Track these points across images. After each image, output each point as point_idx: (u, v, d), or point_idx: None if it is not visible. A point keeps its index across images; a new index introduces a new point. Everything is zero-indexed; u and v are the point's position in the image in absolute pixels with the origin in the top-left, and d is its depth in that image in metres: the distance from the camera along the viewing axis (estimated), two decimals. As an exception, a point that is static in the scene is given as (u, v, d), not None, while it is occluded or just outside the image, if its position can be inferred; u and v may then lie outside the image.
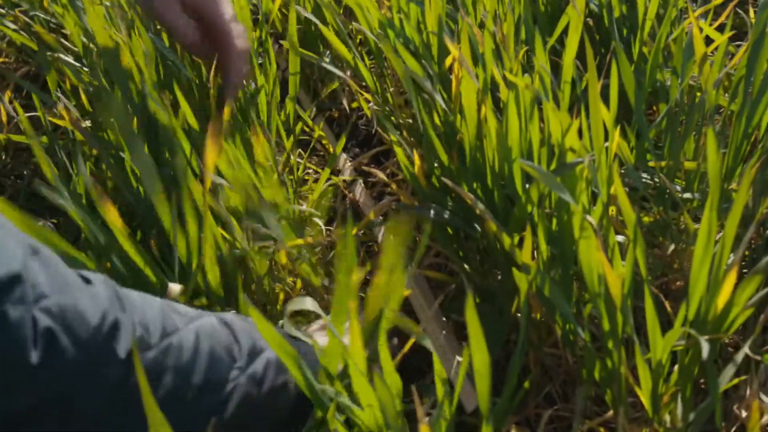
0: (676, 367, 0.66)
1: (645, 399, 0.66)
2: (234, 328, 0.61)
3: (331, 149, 1.13)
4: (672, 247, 0.82)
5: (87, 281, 0.52)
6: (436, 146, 0.78)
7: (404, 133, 0.96)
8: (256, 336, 0.61)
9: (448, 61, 0.84)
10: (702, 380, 0.76)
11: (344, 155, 1.13)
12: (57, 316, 0.48)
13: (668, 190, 0.82)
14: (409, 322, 0.56)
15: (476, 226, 0.81)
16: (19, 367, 0.47)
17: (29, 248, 0.49)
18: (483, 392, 0.52)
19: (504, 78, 0.77)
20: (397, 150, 0.80)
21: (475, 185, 0.79)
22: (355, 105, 1.20)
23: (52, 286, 0.49)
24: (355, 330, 0.57)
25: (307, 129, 1.14)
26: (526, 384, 0.68)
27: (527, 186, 0.74)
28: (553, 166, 0.72)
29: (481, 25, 0.89)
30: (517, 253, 0.64)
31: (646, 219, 0.85)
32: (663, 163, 0.84)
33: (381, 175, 0.86)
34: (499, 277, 0.87)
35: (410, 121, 1.01)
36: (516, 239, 0.72)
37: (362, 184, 1.05)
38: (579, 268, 0.70)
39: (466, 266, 0.84)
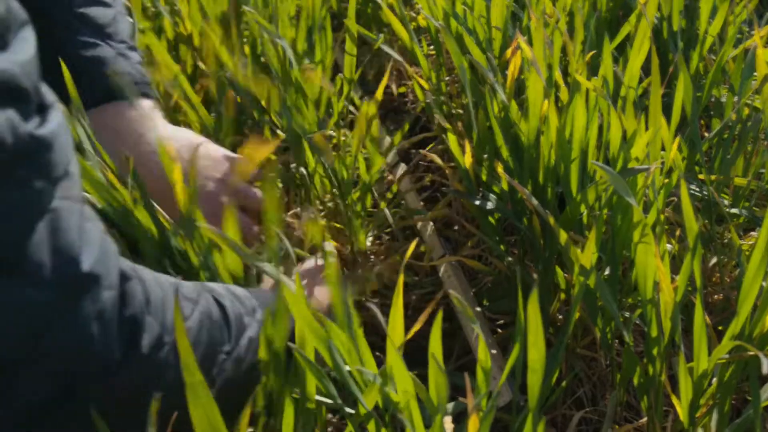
0: (714, 380, 0.67)
1: (682, 409, 0.66)
2: (227, 310, 0.60)
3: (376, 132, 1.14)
4: (714, 260, 0.83)
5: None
6: (496, 137, 0.78)
7: (458, 123, 0.96)
8: (242, 311, 0.61)
9: (508, 53, 0.85)
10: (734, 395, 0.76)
11: (388, 138, 1.14)
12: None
13: (716, 204, 0.83)
14: (464, 306, 0.57)
15: (523, 220, 0.82)
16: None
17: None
18: (534, 386, 0.53)
19: (565, 79, 0.78)
20: (451, 137, 0.81)
21: (528, 180, 0.79)
22: (402, 90, 1.21)
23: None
24: (397, 311, 0.58)
25: (352, 109, 1.14)
26: (564, 384, 0.69)
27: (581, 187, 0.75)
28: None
29: (545, 25, 0.89)
30: (573, 252, 0.65)
31: (686, 227, 0.85)
32: (713, 177, 0.85)
33: (437, 160, 0.87)
34: (535, 275, 0.88)
35: (461, 111, 1.02)
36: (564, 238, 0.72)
37: (404, 167, 1.06)
38: (629, 269, 0.71)
39: (509, 258, 0.85)
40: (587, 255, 0.63)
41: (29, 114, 0.46)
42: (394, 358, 0.52)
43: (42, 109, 0.47)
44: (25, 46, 0.46)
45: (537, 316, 0.49)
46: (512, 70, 0.75)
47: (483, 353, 0.58)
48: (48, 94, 0.48)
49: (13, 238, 0.45)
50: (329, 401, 0.58)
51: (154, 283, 0.54)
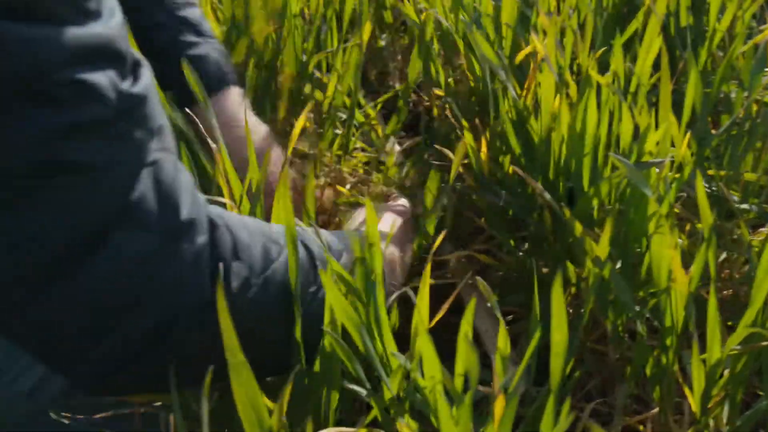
0: (726, 371, 0.67)
1: (694, 400, 0.67)
2: (313, 253, 0.63)
3: (380, 131, 1.14)
4: (723, 255, 0.84)
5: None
6: (509, 134, 0.79)
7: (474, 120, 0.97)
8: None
9: (520, 55, 0.86)
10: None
11: (392, 138, 1.14)
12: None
13: (725, 200, 0.84)
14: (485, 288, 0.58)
15: (534, 215, 0.82)
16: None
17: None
18: (556, 369, 0.54)
19: (575, 75, 0.78)
20: (467, 135, 0.81)
21: (539, 176, 0.80)
22: (400, 87, 1.21)
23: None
24: (423, 297, 0.58)
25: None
26: (577, 374, 0.70)
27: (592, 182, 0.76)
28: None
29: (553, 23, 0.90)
30: (588, 244, 0.65)
31: (699, 225, 0.86)
32: (722, 173, 0.85)
33: (453, 156, 0.87)
34: (545, 269, 0.88)
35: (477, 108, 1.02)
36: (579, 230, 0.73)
37: (409, 166, 1.06)
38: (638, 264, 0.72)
39: (519, 253, 0.85)
40: (603, 247, 0.64)
41: (125, 73, 0.50)
42: (425, 341, 0.52)
43: (134, 68, 0.51)
44: (115, 11, 0.50)
45: (560, 299, 0.49)
46: (533, 67, 0.76)
47: (502, 341, 0.58)
48: (136, 53, 0.52)
49: (120, 189, 0.49)
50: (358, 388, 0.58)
51: (241, 228, 0.57)
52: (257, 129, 0.89)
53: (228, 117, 0.87)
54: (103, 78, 0.48)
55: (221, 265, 0.54)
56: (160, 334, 0.52)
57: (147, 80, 0.52)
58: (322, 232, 0.64)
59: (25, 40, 0.44)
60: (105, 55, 0.48)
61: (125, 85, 0.50)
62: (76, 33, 0.47)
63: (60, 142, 0.46)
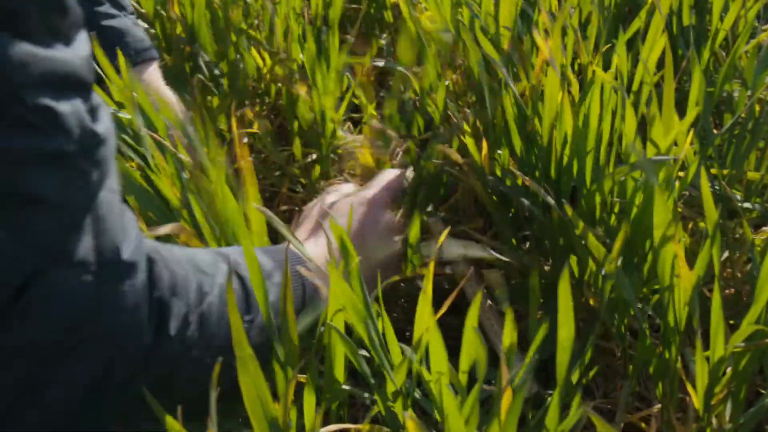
0: (729, 369, 0.67)
1: (697, 397, 0.67)
2: (244, 280, 0.61)
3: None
4: (726, 254, 0.84)
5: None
6: (512, 134, 0.79)
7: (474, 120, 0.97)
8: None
9: (535, 61, 0.85)
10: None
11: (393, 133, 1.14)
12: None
13: (728, 199, 0.84)
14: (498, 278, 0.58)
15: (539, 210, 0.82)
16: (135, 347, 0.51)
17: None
18: (563, 364, 0.54)
19: (577, 73, 0.78)
20: (468, 139, 0.82)
21: (541, 175, 0.80)
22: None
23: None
24: (426, 295, 0.58)
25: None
26: (591, 373, 0.70)
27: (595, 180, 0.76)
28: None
29: (554, 20, 0.90)
30: (591, 239, 0.65)
31: (702, 224, 0.86)
32: (725, 172, 0.85)
33: (456, 157, 0.87)
34: (548, 267, 0.88)
35: (467, 109, 1.02)
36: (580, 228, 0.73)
37: (412, 168, 1.06)
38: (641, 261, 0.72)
39: (520, 251, 0.85)
40: (616, 245, 0.64)
41: (88, 108, 0.48)
42: (433, 333, 0.53)
43: (97, 107, 0.49)
44: (85, 44, 0.49)
45: (567, 294, 0.50)
46: (538, 64, 0.76)
47: (507, 339, 0.58)
48: (97, 95, 0.50)
49: (66, 226, 0.47)
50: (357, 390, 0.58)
51: (175, 261, 0.56)
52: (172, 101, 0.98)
53: (151, 89, 0.96)
54: (69, 108, 0.46)
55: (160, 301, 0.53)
56: (102, 381, 0.50)
57: (108, 122, 0.50)
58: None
59: (2, 56, 0.42)
60: (73, 84, 0.47)
61: (88, 120, 0.48)
62: (48, 55, 0.45)
63: (19, 170, 0.44)
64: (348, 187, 0.88)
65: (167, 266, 0.54)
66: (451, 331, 0.78)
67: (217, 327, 0.56)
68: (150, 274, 0.53)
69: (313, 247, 0.73)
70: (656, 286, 0.67)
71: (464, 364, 0.54)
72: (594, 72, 0.72)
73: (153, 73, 1.01)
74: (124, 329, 0.50)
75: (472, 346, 0.53)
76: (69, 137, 0.46)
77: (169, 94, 1.00)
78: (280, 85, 1.12)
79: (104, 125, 0.49)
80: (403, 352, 0.56)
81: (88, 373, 0.49)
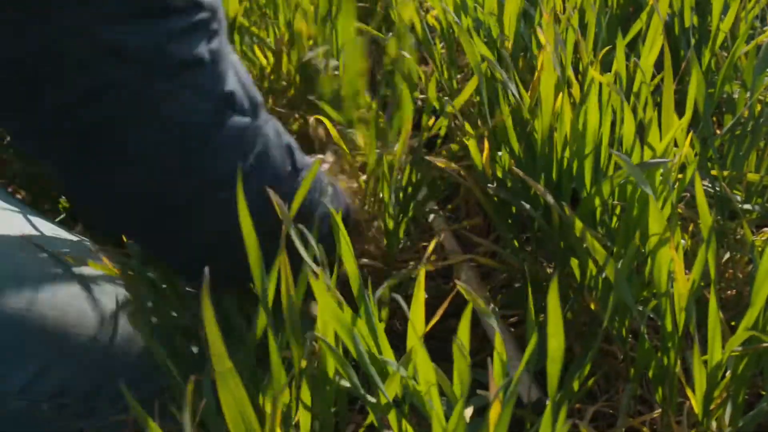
0: (728, 373, 0.67)
1: (696, 401, 0.67)
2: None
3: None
4: (727, 255, 0.84)
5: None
6: (510, 135, 0.79)
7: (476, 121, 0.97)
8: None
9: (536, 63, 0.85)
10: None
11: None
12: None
13: (728, 200, 0.83)
14: (476, 299, 0.58)
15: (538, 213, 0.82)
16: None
17: None
18: (553, 375, 0.54)
19: (578, 74, 0.78)
20: (471, 141, 0.82)
21: (541, 177, 0.80)
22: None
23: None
24: (419, 302, 0.59)
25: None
26: (590, 383, 0.70)
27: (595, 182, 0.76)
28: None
29: (556, 20, 0.90)
30: (590, 241, 0.65)
31: (700, 221, 0.86)
32: (725, 173, 0.85)
33: (454, 166, 0.87)
34: (549, 271, 0.88)
35: (471, 109, 1.02)
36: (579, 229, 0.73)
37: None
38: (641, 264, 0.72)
39: (522, 255, 0.85)
40: (616, 248, 0.64)
41: None
42: (418, 348, 0.53)
43: None
44: None
45: (557, 305, 0.50)
46: (539, 66, 0.76)
47: (499, 345, 0.58)
48: None
49: (222, 79, 0.62)
50: (348, 385, 0.58)
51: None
52: None
53: None
54: None
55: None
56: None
57: None
58: None
59: None
60: None
61: None
62: None
63: (179, 42, 0.58)
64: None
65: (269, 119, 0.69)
66: (451, 333, 0.78)
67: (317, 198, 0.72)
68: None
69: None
70: (654, 290, 0.67)
71: (456, 377, 0.54)
72: (592, 74, 0.72)
73: None
74: (274, 156, 0.66)
75: (457, 360, 0.53)
76: (202, 8, 0.59)
77: None
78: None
79: None
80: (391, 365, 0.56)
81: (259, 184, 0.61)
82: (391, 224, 0.89)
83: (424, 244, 0.99)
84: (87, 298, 0.71)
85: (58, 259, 0.71)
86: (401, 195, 0.91)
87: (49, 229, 0.77)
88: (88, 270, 0.72)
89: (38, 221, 0.77)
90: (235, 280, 0.65)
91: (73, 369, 0.70)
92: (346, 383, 0.60)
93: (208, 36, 0.61)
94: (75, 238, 0.78)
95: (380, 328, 0.58)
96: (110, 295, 0.72)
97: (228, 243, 0.61)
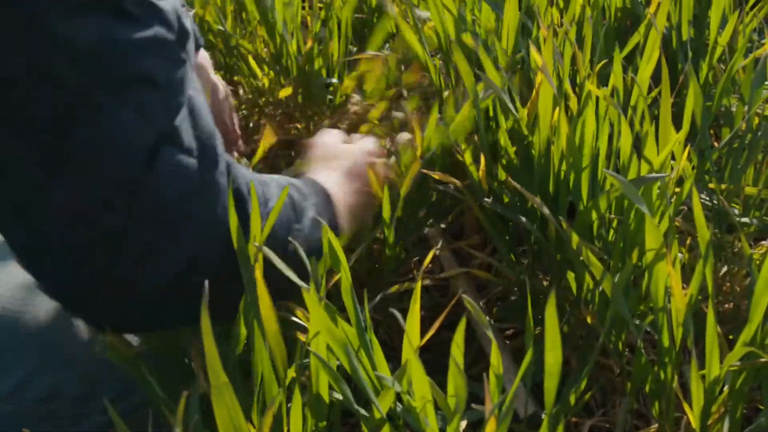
0: (726, 387, 0.67)
1: (694, 417, 0.66)
2: (291, 196, 0.68)
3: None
4: (725, 269, 0.83)
5: None
6: (507, 149, 0.79)
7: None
8: (298, 196, 0.70)
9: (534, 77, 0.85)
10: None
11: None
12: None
13: (726, 213, 0.83)
14: (476, 311, 0.58)
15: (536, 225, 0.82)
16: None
17: None
18: (550, 389, 0.53)
19: (575, 88, 0.78)
20: (466, 154, 0.82)
21: (538, 190, 0.80)
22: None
23: None
24: (414, 315, 0.58)
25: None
26: (587, 396, 0.69)
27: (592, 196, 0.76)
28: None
29: (554, 34, 0.90)
30: (586, 255, 0.65)
31: (698, 235, 0.85)
32: (723, 186, 0.85)
33: (452, 180, 0.87)
34: (546, 284, 0.88)
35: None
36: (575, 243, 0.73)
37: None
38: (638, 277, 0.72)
39: (518, 268, 0.85)
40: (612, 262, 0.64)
41: (180, 6, 0.59)
42: (413, 362, 0.52)
43: (180, 9, 0.60)
44: None
45: (554, 320, 0.49)
46: (537, 80, 0.76)
47: (495, 358, 0.58)
48: None
49: (174, 109, 0.56)
50: (340, 396, 0.58)
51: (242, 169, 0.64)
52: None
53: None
54: (168, 5, 0.56)
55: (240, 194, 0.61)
56: (198, 260, 0.58)
57: (189, 23, 0.60)
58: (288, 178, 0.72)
59: None
60: None
61: (181, 16, 0.58)
62: None
63: (131, 55, 0.53)
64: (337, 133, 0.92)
65: (239, 170, 0.62)
66: (446, 346, 0.78)
67: (284, 231, 0.64)
68: (230, 170, 0.60)
69: (325, 176, 0.79)
70: (651, 304, 0.67)
71: (451, 390, 0.53)
72: (589, 88, 0.72)
73: (202, 59, 0.97)
74: (219, 210, 0.58)
75: (452, 375, 0.52)
76: (170, 28, 0.56)
77: (216, 80, 1.00)
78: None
79: (188, 24, 0.59)
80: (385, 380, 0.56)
81: (191, 248, 0.57)
82: (390, 237, 0.89)
83: (418, 258, 0.99)
84: None
85: None
86: (399, 208, 0.91)
87: None
88: None
89: None
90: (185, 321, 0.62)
91: (63, 374, 0.70)
92: (339, 396, 0.60)
93: (169, 60, 0.56)
94: None
95: (375, 342, 0.58)
96: None
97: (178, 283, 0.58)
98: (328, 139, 0.88)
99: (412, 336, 0.57)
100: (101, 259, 0.55)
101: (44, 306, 0.70)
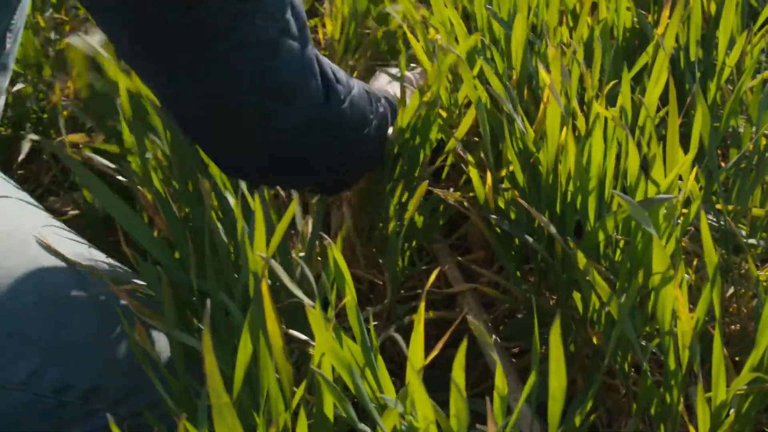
0: (732, 411, 0.66)
1: (700, 439, 0.66)
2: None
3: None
4: (731, 290, 0.83)
5: None
6: (515, 168, 0.79)
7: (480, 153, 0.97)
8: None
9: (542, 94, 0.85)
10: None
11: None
12: None
13: (733, 235, 0.83)
14: (482, 332, 0.58)
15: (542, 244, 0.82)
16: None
17: None
18: (554, 414, 0.53)
19: (583, 108, 0.78)
20: (472, 170, 0.82)
21: (545, 209, 0.80)
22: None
23: None
24: (418, 336, 0.58)
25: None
26: (592, 417, 0.69)
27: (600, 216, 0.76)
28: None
29: (562, 55, 0.90)
30: (593, 276, 0.65)
31: (705, 259, 0.85)
32: (730, 207, 0.85)
33: (459, 198, 0.87)
34: (552, 302, 0.88)
35: (476, 139, 1.02)
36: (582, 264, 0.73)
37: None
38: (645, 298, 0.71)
39: (525, 286, 0.85)
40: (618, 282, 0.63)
41: None
42: (416, 384, 0.52)
43: None
44: None
45: (558, 344, 0.49)
46: (544, 98, 0.76)
47: (500, 380, 0.58)
48: None
49: (285, 6, 0.71)
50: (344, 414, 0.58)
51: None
52: None
53: None
54: None
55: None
56: (303, 121, 0.75)
57: None
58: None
59: None
60: None
61: None
62: None
63: None
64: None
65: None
66: (452, 362, 0.78)
67: (360, 115, 0.81)
68: (318, 57, 0.77)
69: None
70: (658, 326, 0.67)
71: (453, 411, 0.53)
72: (597, 109, 0.72)
73: None
74: (315, 83, 0.75)
75: (454, 399, 0.52)
76: None
77: None
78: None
79: None
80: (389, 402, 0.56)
81: (302, 111, 0.75)
82: (398, 254, 0.89)
83: (425, 267, 0.99)
84: (93, 297, 0.72)
85: (69, 259, 0.73)
86: (405, 223, 0.91)
87: (61, 230, 0.78)
88: (98, 270, 0.74)
89: (51, 220, 0.79)
90: (294, 180, 0.83)
91: (75, 364, 0.70)
92: (344, 415, 0.60)
93: None
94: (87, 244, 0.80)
95: (381, 362, 0.58)
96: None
97: (287, 144, 0.76)
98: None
99: (415, 359, 0.57)
100: (236, 123, 0.73)
101: (59, 297, 0.71)
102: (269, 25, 0.69)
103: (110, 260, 0.79)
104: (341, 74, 0.80)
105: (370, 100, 0.83)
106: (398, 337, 0.58)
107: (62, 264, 0.73)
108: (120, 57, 0.77)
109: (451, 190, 0.94)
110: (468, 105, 1.05)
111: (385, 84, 1.02)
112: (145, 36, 0.67)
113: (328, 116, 0.77)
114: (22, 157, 1.12)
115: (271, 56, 0.70)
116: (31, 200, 0.81)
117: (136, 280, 0.75)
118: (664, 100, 0.85)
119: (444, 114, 0.96)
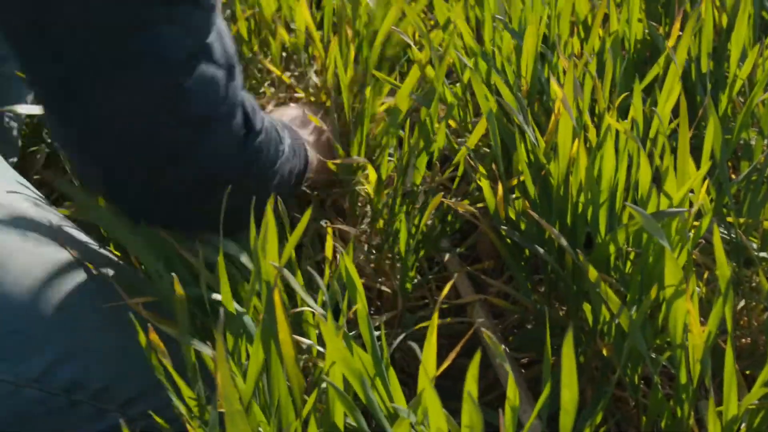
0: (743, 425, 0.66)
1: (710, 454, 0.66)
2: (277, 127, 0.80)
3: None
4: (742, 303, 0.83)
5: None
6: (526, 179, 0.79)
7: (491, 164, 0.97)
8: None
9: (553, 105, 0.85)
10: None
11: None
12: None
13: (744, 248, 0.83)
14: (494, 343, 0.58)
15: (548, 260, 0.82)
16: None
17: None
18: (566, 426, 0.53)
19: (594, 117, 0.79)
20: (483, 180, 0.82)
21: (556, 221, 0.80)
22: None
23: None
24: (430, 346, 0.58)
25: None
26: (602, 430, 0.69)
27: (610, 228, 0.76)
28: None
29: (574, 67, 0.90)
30: (603, 289, 0.65)
31: (717, 273, 0.85)
32: (741, 220, 0.85)
33: (468, 208, 0.87)
34: (562, 313, 0.88)
35: (487, 149, 1.03)
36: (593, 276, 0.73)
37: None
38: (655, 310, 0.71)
39: (535, 297, 0.85)
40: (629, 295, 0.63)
41: None
42: (429, 393, 0.52)
43: None
44: None
45: (571, 356, 0.49)
46: (555, 110, 0.76)
47: (512, 391, 0.58)
48: None
49: (209, 27, 0.66)
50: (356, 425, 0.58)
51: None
52: None
53: None
54: None
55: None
56: (220, 159, 0.70)
57: None
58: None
59: None
60: None
61: None
62: None
63: None
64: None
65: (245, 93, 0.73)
66: (463, 372, 0.77)
67: (274, 150, 0.77)
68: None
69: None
70: (669, 339, 0.66)
71: (465, 421, 0.53)
72: (608, 121, 0.72)
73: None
74: (235, 116, 0.69)
75: (467, 409, 0.52)
76: None
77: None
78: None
79: None
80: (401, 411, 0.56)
81: (219, 147, 0.69)
82: (409, 262, 0.89)
83: (433, 276, 0.99)
84: (106, 297, 0.72)
85: (83, 260, 0.73)
86: (416, 233, 0.92)
87: (76, 230, 0.79)
88: (110, 271, 0.75)
89: (66, 221, 0.80)
90: (204, 222, 0.72)
91: (87, 364, 0.70)
92: (354, 424, 0.60)
93: None
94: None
95: (392, 372, 0.58)
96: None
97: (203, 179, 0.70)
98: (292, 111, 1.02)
99: (429, 367, 0.57)
100: (141, 151, 0.67)
101: (73, 295, 0.72)
102: (184, 38, 0.65)
103: (122, 263, 0.79)
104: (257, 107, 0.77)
105: (278, 135, 0.79)
106: (415, 345, 0.58)
107: (76, 264, 0.74)
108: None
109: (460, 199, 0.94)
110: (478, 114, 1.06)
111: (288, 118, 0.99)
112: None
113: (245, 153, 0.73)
114: (40, 163, 1.13)
115: (185, 74, 0.65)
116: (47, 204, 0.82)
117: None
118: (674, 111, 0.85)
119: (454, 125, 0.97)
